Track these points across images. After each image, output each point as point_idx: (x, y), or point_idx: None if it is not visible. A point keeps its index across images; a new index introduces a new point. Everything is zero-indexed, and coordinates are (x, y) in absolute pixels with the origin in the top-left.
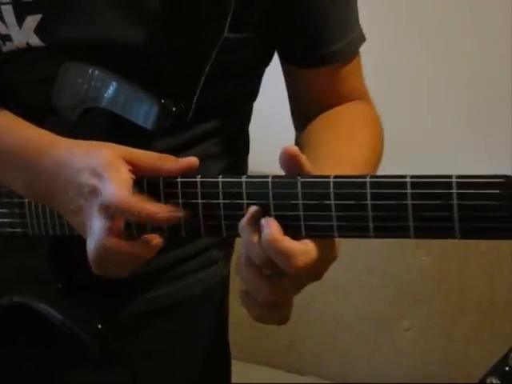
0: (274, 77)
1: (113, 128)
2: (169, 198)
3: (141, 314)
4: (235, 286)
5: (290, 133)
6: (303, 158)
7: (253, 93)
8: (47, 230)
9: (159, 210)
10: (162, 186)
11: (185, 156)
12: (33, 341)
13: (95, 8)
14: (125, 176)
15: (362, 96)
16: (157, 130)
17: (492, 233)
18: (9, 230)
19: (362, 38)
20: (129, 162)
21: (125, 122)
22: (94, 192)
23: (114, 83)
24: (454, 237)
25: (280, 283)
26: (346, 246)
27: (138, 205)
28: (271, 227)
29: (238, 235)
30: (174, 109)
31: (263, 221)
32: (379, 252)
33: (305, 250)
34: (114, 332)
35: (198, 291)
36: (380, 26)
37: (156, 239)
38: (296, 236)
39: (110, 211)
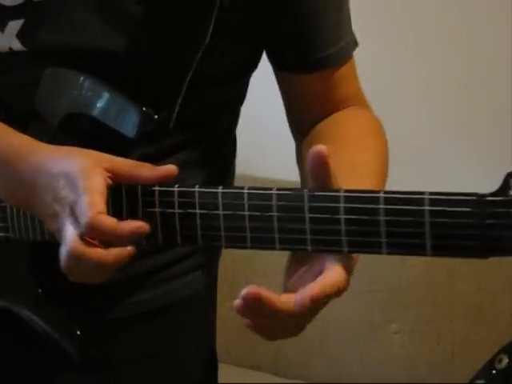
0: (264, 79)
1: (93, 134)
2: (146, 207)
3: (126, 318)
4: (223, 289)
5: (282, 136)
6: (329, 161)
7: (238, 99)
8: (28, 234)
9: (122, 229)
10: (140, 193)
11: (164, 163)
12: (16, 344)
13: (76, 14)
14: (98, 185)
15: (359, 100)
16: (138, 137)
17: (463, 251)
18: None
19: (354, 43)
20: (107, 170)
21: (105, 129)
22: (67, 198)
23: (97, 89)
24: (425, 254)
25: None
26: None
27: (104, 224)
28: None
29: (214, 245)
30: (155, 116)
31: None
32: (368, 256)
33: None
34: (98, 336)
35: (184, 295)
36: (375, 29)
37: (127, 249)
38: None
39: (79, 220)
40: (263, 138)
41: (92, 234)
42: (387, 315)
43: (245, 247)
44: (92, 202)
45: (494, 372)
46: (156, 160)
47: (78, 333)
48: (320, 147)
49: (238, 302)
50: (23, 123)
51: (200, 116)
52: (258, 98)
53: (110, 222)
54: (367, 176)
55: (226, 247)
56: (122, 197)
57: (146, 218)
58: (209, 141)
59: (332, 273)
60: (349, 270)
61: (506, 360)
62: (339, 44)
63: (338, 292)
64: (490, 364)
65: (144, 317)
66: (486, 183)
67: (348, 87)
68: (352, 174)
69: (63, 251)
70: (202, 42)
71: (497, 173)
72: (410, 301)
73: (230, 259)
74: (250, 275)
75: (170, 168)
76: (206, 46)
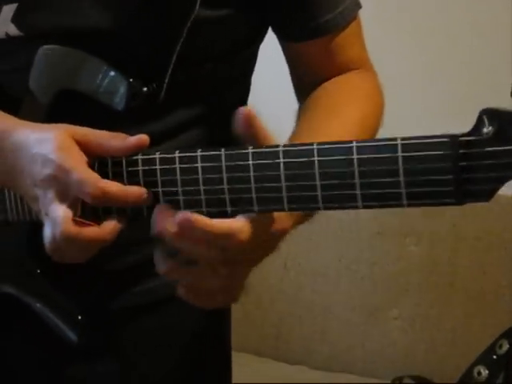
0: (271, 56)
1: (85, 111)
2: (130, 177)
3: (133, 307)
4: None
5: (289, 115)
6: (258, 121)
7: (242, 77)
8: (25, 215)
9: (129, 192)
10: (110, 165)
11: (167, 146)
12: (21, 331)
13: None
14: (80, 160)
15: (362, 65)
16: (127, 111)
17: (438, 198)
18: None
19: (356, 5)
20: (79, 142)
21: (97, 105)
22: (49, 181)
23: (85, 64)
24: (401, 204)
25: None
26: (335, 235)
27: (112, 189)
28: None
29: (196, 211)
30: (144, 88)
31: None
32: (368, 241)
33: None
34: (104, 324)
35: None
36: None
37: (117, 223)
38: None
39: (73, 195)
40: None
41: (102, 201)
42: (388, 301)
43: (225, 212)
44: (87, 173)
45: (494, 357)
46: (158, 141)
47: (79, 318)
48: (244, 109)
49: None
50: (17, 107)
51: (198, 93)
52: (264, 74)
53: (117, 186)
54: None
55: (208, 214)
56: (94, 169)
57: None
58: (214, 119)
59: (228, 220)
60: (261, 223)
61: (506, 345)
62: (338, 8)
63: (233, 235)
64: (491, 349)
65: (154, 305)
66: None
67: (350, 52)
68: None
69: (50, 233)
70: (190, 12)
71: None
72: (411, 286)
73: None
74: None
75: (141, 138)
76: (196, 18)
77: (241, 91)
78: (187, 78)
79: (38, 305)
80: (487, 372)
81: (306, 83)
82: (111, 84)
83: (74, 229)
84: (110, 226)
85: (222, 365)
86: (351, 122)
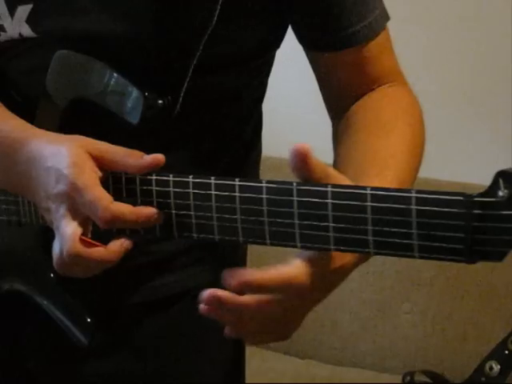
0: (290, 58)
1: (99, 121)
2: (144, 196)
3: (147, 303)
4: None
5: (309, 117)
6: (314, 161)
7: (258, 82)
8: (38, 220)
9: (140, 214)
10: (124, 182)
11: (178, 153)
12: (35, 324)
13: None
14: (93, 179)
15: (395, 77)
16: (141, 123)
17: (449, 254)
18: (5, 217)
19: (384, 17)
20: (95, 158)
21: (111, 115)
22: (61, 196)
23: (102, 74)
24: (413, 255)
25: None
26: None
27: (124, 211)
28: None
29: (209, 238)
30: (160, 101)
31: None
32: None
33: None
34: (116, 321)
35: (208, 280)
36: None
37: (125, 243)
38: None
39: (84, 214)
40: (284, 115)
41: (112, 225)
42: (399, 295)
43: (237, 241)
44: (99, 195)
45: (506, 353)
46: (168, 149)
47: (88, 320)
48: (300, 146)
49: (201, 306)
50: (34, 107)
51: (213, 102)
52: (281, 74)
53: (128, 208)
54: (389, 168)
55: (220, 241)
56: (109, 185)
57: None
58: (229, 125)
59: (284, 267)
60: (318, 264)
61: None
62: (367, 19)
63: (290, 285)
64: (503, 345)
65: (165, 302)
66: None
67: (380, 64)
68: (372, 168)
69: (58, 249)
70: (208, 24)
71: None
72: (423, 281)
73: None
74: (260, 256)
75: (157, 157)
76: (213, 29)
77: (257, 95)
78: (203, 88)
79: (49, 306)
80: (499, 367)
81: (336, 99)
82: (126, 96)
83: (80, 248)
84: (116, 248)
85: (236, 360)
86: (403, 141)
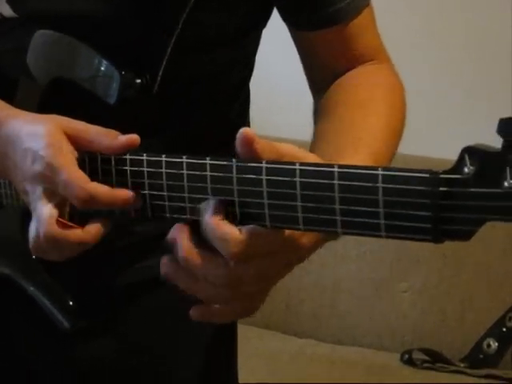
0: (274, 35)
1: (79, 101)
2: (119, 176)
3: (133, 285)
4: None
5: (293, 94)
6: (260, 144)
7: (243, 61)
8: (19, 200)
9: (114, 194)
10: (99, 162)
11: (161, 136)
12: (22, 309)
13: None
14: (71, 160)
15: (377, 54)
16: (120, 103)
17: (416, 233)
18: None
19: None
20: (70, 136)
21: (91, 95)
22: (38, 177)
23: (80, 53)
24: (380, 235)
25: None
26: None
27: (101, 192)
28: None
29: (182, 219)
30: (138, 80)
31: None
32: None
33: (242, 237)
34: (101, 303)
35: None
36: None
37: (103, 226)
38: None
39: (61, 195)
40: (273, 96)
41: (88, 205)
42: (396, 274)
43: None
44: (75, 174)
45: (504, 330)
46: (150, 132)
47: (71, 303)
48: (244, 131)
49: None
50: (14, 88)
51: (195, 81)
52: (267, 54)
53: (105, 189)
54: (364, 145)
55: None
56: (85, 165)
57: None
58: (213, 106)
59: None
60: (263, 238)
61: None
62: None
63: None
64: (501, 322)
65: (151, 284)
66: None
67: (363, 42)
68: (347, 144)
69: (34, 231)
70: (187, 2)
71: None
72: (420, 259)
73: None
74: None
75: (132, 137)
76: (193, 7)
77: (242, 75)
78: (183, 67)
79: (31, 289)
80: (497, 344)
81: (319, 77)
82: (103, 75)
83: (56, 230)
84: (93, 230)
85: (226, 341)
86: (380, 119)
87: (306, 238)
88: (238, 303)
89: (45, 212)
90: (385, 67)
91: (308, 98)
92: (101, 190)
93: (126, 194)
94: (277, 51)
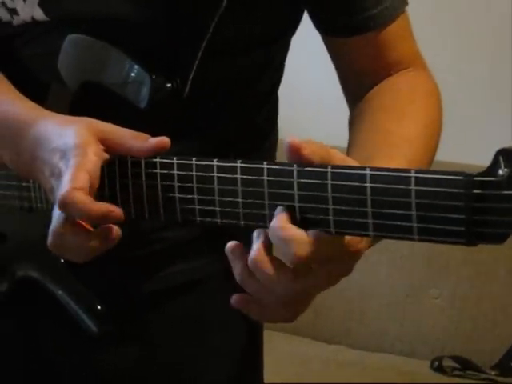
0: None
1: (109, 104)
2: (149, 179)
3: (158, 292)
4: None
5: (323, 100)
6: (308, 149)
7: (272, 67)
8: (48, 204)
9: (95, 210)
10: (130, 165)
11: (189, 141)
12: (47, 316)
13: None
14: (89, 162)
15: (414, 62)
16: (150, 107)
17: (449, 236)
18: (18, 202)
19: (403, 1)
20: (101, 140)
21: (122, 99)
22: (60, 176)
23: (111, 58)
24: (412, 238)
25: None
26: None
27: (77, 200)
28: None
29: (211, 222)
30: (168, 85)
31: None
32: None
33: (309, 240)
34: (127, 310)
35: (220, 269)
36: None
37: (114, 231)
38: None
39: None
40: (302, 101)
41: (64, 210)
42: (427, 280)
43: (239, 225)
44: (72, 178)
45: None
46: (179, 137)
47: (99, 307)
48: (291, 142)
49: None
50: (45, 92)
51: (225, 86)
52: (299, 60)
53: (83, 198)
54: (401, 151)
55: (222, 224)
56: (115, 168)
57: (148, 191)
58: (243, 111)
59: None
60: (328, 244)
61: None
62: (384, 3)
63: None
64: None
65: (176, 291)
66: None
67: (399, 49)
68: (383, 150)
69: (50, 229)
70: (218, 6)
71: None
72: (451, 265)
73: None
74: None
75: (163, 140)
76: (224, 12)
77: (271, 81)
78: (212, 72)
79: (60, 292)
80: None
81: (354, 86)
82: (134, 80)
83: (60, 229)
84: (99, 234)
85: (251, 350)
86: (418, 126)
87: (363, 244)
88: (286, 309)
89: (56, 210)
90: (422, 74)
91: (332, 104)
92: (80, 199)
93: (103, 208)
94: (302, 57)
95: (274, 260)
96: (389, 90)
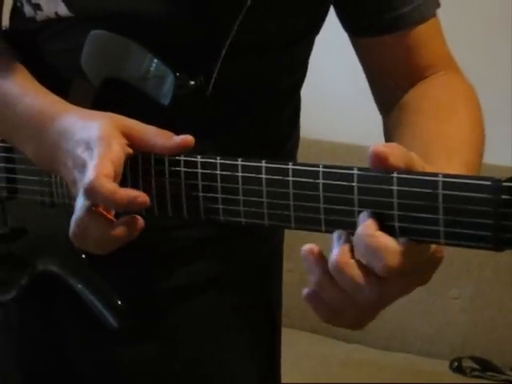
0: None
1: (132, 101)
2: (172, 177)
3: (178, 289)
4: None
5: (345, 98)
6: (393, 158)
7: (296, 66)
8: (70, 199)
9: (124, 196)
10: (153, 162)
11: (212, 139)
12: (67, 307)
13: None
14: (114, 152)
15: (447, 64)
16: (173, 104)
17: (476, 241)
18: (39, 197)
19: (435, 2)
20: (125, 135)
21: (145, 96)
22: (84, 167)
23: (134, 54)
24: (438, 241)
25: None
26: None
27: (103, 187)
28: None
29: (235, 222)
30: (192, 82)
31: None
32: None
33: (399, 250)
34: (148, 306)
35: (243, 263)
36: None
37: (138, 221)
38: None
39: (86, 192)
40: (325, 100)
41: (90, 197)
42: (447, 280)
43: (262, 225)
44: (98, 165)
45: None
46: (202, 135)
47: (119, 303)
48: (376, 148)
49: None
50: (68, 87)
51: (248, 84)
52: (321, 59)
53: (109, 185)
54: (457, 153)
55: (246, 224)
56: (138, 164)
57: (171, 187)
58: (266, 109)
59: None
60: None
61: None
62: (414, 2)
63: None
64: None
65: (196, 288)
66: None
67: (430, 50)
68: (440, 154)
69: (72, 219)
70: (243, 4)
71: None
72: (472, 265)
73: None
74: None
75: (187, 138)
76: (248, 10)
77: (294, 81)
78: (236, 70)
79: (79, 286)
80: None
81: (386, 91)
82: (158, 76)
83: (84, 218)
84: (121, 224)
85: (269, 346)
86: (466, 128)
87: (440, 253)
88: (360, 317)
89: (80, 200)
90: (457, 77)
91: (353, 103)
92: (106, 184)
93: (127, 194)
94: (324, 57)
95: (361, 265)
96: (428, 94)
